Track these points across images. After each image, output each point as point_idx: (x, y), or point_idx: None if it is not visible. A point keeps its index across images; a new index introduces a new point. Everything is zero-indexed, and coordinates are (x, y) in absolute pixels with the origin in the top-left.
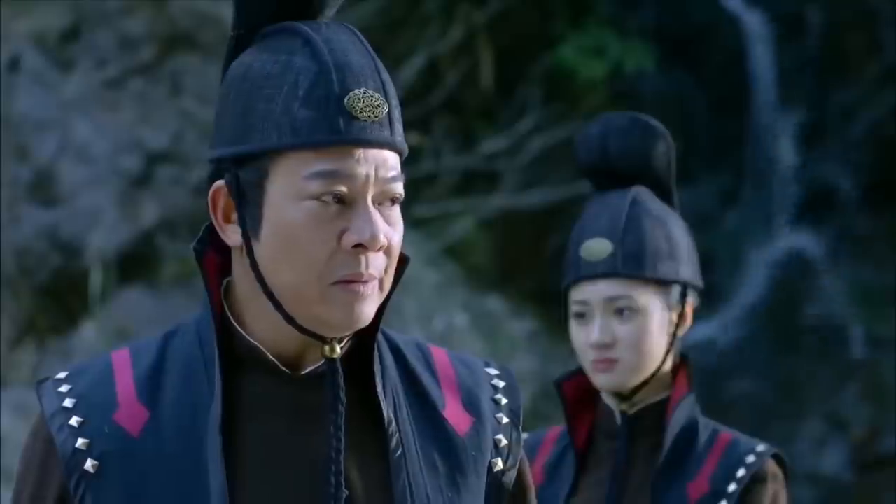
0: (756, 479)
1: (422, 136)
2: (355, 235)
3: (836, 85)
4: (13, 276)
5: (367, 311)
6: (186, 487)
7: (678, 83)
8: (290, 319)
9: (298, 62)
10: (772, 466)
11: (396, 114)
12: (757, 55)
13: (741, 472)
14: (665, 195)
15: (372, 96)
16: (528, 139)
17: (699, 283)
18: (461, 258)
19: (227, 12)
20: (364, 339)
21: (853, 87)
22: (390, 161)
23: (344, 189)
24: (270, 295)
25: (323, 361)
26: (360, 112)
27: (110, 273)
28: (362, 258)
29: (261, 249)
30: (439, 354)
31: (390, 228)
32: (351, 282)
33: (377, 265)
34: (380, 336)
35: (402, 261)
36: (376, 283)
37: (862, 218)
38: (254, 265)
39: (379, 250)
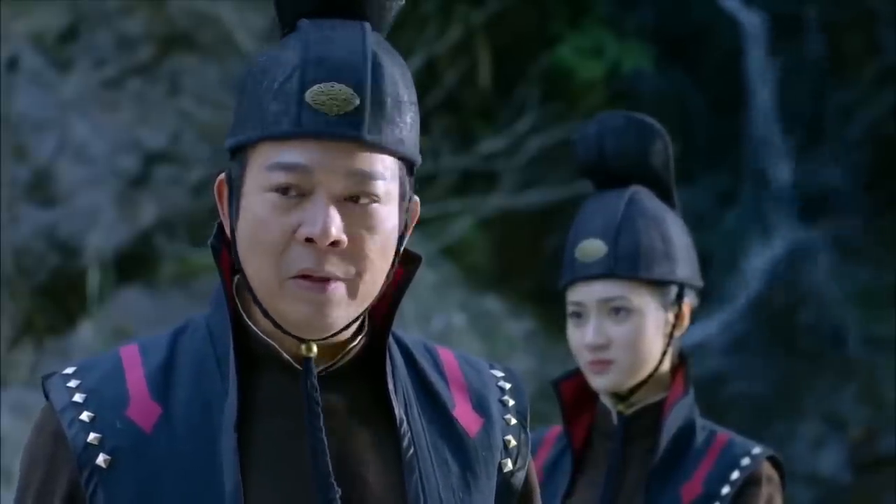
0: (750, 482)
1: (420, 137)
2: (306, 228)
3: (834, 85)
4: (11, 276)
5: (332, 314)
6: (199, 485)
7: (676, 83)
8: (266, 314)
9: (284, 56)
10: (767, 469)
11: (381, 111)
12: (755, 55)
13: (735, 475)
14: (664, 194)
15: (340, 90)
16: (526, 139)
17: (698, 282)
18: (459, 258)
19: (225, 12)
20: (375, 340)
21: (851, 87)
22: (361, 157)
23: (300, 181)
24: (250, 289)
25: (337, 359)
26: (322, 105)
27: (108, 273)
28: (315, 254)
29: (239, 241)
30: (446, 355)
31: (360, 228)
32: (307, 278)
33: (337, 264)
34: (390, 336)
35: (413, 261)
36: (341, 284)
37: (860, 218)
38: (236, 257)
39: (334, 246)
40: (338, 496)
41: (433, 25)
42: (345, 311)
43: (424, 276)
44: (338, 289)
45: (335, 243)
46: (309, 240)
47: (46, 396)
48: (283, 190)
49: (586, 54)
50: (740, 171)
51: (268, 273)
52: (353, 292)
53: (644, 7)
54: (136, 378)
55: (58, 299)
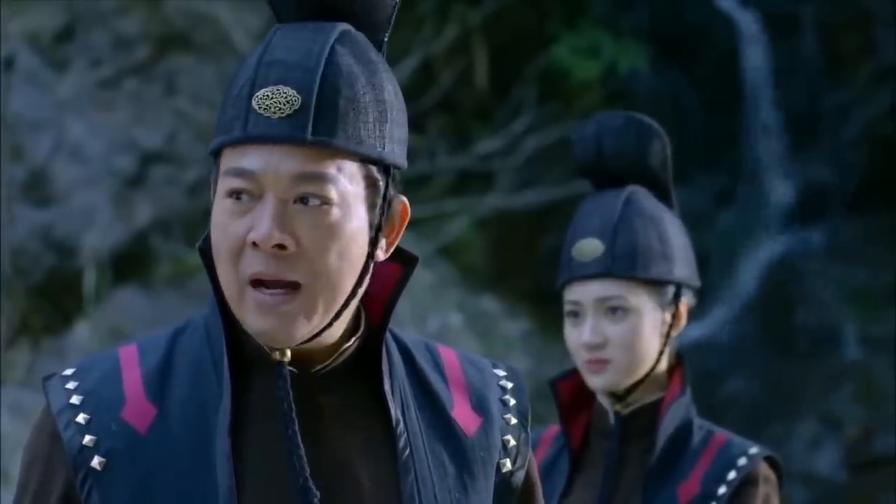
0: (746, 482)
1: (416, 137)
2: (251, 233)
3: (829, 85)
4: (8, 275)
5: (291, 324)
6: (193, 487)
7: (672, 83)
8: (239, 321)
9: (248, 62)
10: (764, 469)
11: (332, 111)
12: (751, 55)
13: (732, 475)
14: (663, 194)
15: (284, 93)
16: (522, 139)
17: (695, 282)
18: (456, 258)
19: (221, 12)
20: (371, 340)
21: (847, 87)
22: (307, 159)
23: (250, 186)
24: (224, 295)
25: (331, 360)
26: (266, 109)
27: (104, 273)
28: (265, 258)
29: (212, 247)
30: (448, 355)
31: (313, 231)
32: (259, 283)
33: (290, 268)
34: (388, 336)
35: (409, 261)
36: (296, 291)
37: (855, 218)
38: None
39: (281, 249)
40: (316, 500)
41: (430, 25)
42: (304, 320)
43: (421, 277)
44: (293, 298)
45: (281, 247)
46: (256, 244)
47: (46, 397)
48: (237, 195)
49: (583, 54)
50: (737, 171)
51: (228, 279)
52: (311, 300)
53: (640, 7)
54: (133, 379)
55: (54, 299)
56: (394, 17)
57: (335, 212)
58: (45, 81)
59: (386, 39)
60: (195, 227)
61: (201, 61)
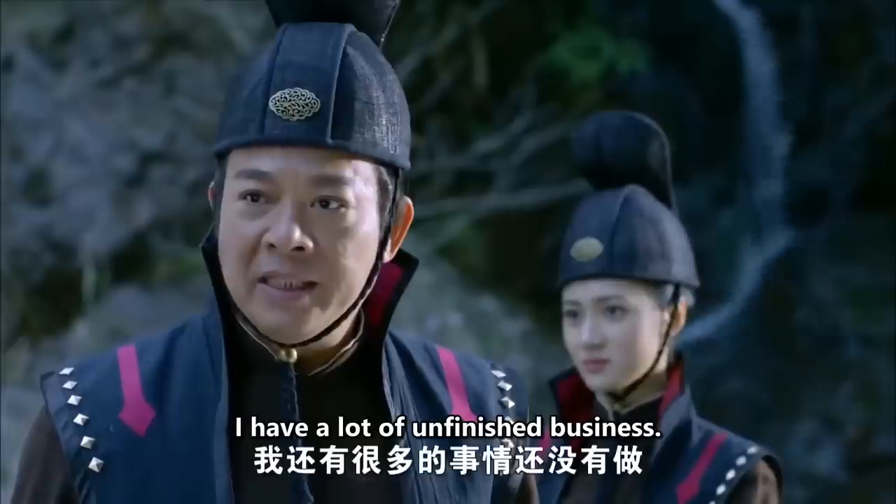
0: (745, 482)
1: (416, 137)
2: (269, 235)
3: (829, 85)
4: (7, 275)
5: (302, 319)
6: (191, 488)
7: (672, 83)
8: (246, 321)
9: (257, 63)
10: (763, 468)
11: (348, 114)
12: (751, 55)
13: (730, 474)
14: (661, 194)
15: (301, 95)
16: (521, 139)
17: (694, 282)
18: (455, 258)
19: (221, 13)
20: (371, 341)
21: (847, 87)
22: (326, 162)
23: (267, 188)
24: (229, 294)
25: (330, 362)
26: (284, 111)
27: (104, 273)
28: (280, 259)
29: (219, 247)
30: (446, 356)
31: (329, 233)
32: (272, 280)
33: (307, 269)
34: (387, 337)
35: (409, 264)
36: (310, 289)
37: (855, 218)
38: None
39: (299, 251)
40: (312, 502)
41: (428, 25)
42: (317, 316)
43: (420, 277)
44: (306, 294)
45: (300, 249)
46: (273, 246)
47: (44, 396)
48: (252, 197)
49: (582, 54)
50: (736, 170)
51: (237, 279)
52: (325, 297)
53: (639, 7)
54: (131, 380)
55: (53, 299)
56: (392, 18)
57: (352, 214)
58: (45, 81)
59: (383, 40)
60: (195, 227)
61: (201, 61)
